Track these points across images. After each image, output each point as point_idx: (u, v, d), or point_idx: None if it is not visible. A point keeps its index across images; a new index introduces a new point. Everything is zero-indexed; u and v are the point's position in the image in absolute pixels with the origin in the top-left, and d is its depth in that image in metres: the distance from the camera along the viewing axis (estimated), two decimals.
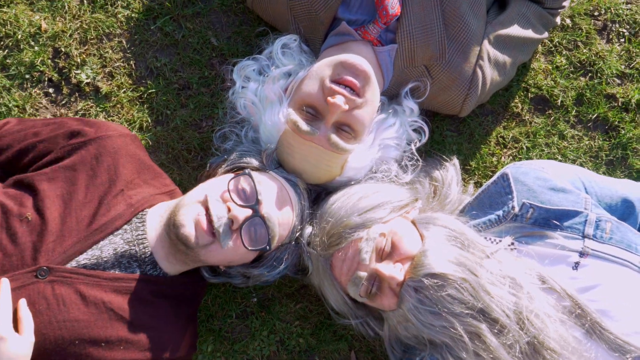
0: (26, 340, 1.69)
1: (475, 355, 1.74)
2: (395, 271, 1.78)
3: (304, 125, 1.90)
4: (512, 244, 1.92)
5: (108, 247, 1.85)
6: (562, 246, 1.86)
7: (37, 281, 1.76)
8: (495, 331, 1.72)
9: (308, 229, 1.96)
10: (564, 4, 2.33)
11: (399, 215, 1.92)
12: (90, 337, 1.77)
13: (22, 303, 1.73)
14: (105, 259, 1.83)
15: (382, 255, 1.83)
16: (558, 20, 2.39)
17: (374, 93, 1.98)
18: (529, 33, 2.28)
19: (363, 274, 1.82)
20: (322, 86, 1.93)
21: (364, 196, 1.92)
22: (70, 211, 1.84)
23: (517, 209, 1.92)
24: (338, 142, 1.91)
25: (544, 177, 1.97)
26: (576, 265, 1.85)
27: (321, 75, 1.95)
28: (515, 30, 2.24)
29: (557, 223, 1.89)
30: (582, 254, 1.85)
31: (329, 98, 1.88)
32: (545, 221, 1.90)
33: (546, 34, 2.36)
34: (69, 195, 1.85)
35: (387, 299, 1.83)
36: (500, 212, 1.95)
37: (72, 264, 1.80)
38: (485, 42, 2.19)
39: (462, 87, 2.16)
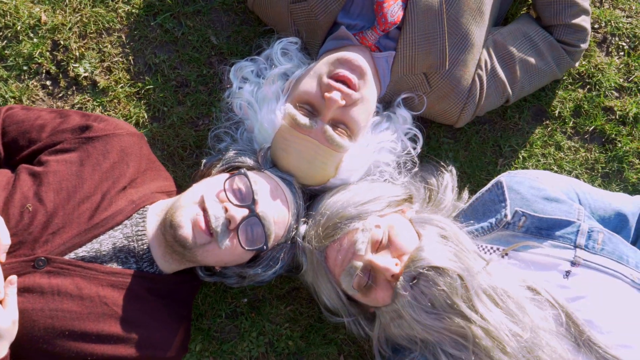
0: (8, 315, 1.66)
1: (473, 354, 1.74)
2: (390, 263, 1.79)
3: (302, 119, 1.90)
4: (504, 250, 1.91)
5: (107, 241, 1.85)
6: (554, 255, 1.86)
7: (35, 271, 1.75)
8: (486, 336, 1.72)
9: (303, 227, 1.96)
10: (582, 45, 2.28)
11: (395, 210, 1.93)
12: (80, 329, 1.76)
13: (12, 279, 1.71)
14: (103, 253, 1.83)
15: (378, 247, 1.83)
16: (576, 63, 2.34)
17: (369, 90, 1.98)
18: (534, 59, 2.24)
19: (358, 263, 1.82)
20: (320, 83, 1.93)
21: (360, 191, 1.94)
22: (72, 204, 1.83)
23: (509, 217, 1.92)
24: (333, 136, 1.90)
25: (538, 186, 1.97)
26: (567, 274, 1.85)
27: (319, 72, 1.96)
28: (516, 49, 2.22)
29: (549, 232, 1.89)
30: (573, 263, 1.85)
31: (326, 93, 1.89)
32: (537, 230, 1.90)
33: (556, 71, 2.29)
34: (73, 188, 1.85)
35: (381, 292, 1.83)
36: (492, 220, 1.95)
37: (71, 255, 1.80)
38: (484, 51, 2.20)
39: (460, 96, 2.16)
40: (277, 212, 1.88)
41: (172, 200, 1.94)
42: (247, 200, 1.83)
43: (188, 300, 2.03)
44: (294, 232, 1.96)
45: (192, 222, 1.78)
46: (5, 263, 1.74)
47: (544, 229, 1.91)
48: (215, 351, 2.20)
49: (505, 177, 2.02)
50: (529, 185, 1.97)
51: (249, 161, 1.97)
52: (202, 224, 1.77)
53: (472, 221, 2.02)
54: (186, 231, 1.77)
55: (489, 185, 2.05)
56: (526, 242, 1.89)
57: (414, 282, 1.77)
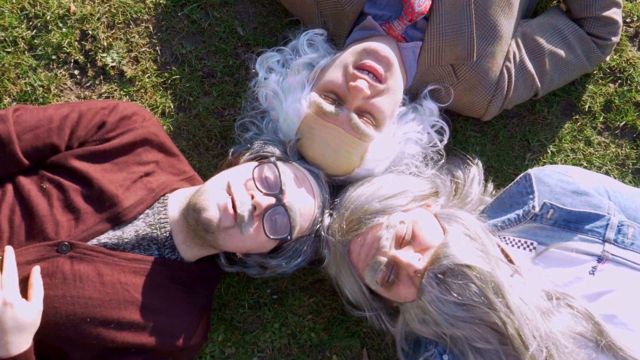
0: (34, 307, 1.69)
1: (500, 344, 1.71)
2: (413, 259, 1.76)
3: (327, 107, 1.89)
4: (532, 243, 1.88)
5: (130, 229, 1.86)
6: (581, 249, 1.83)
7: (58, 255, 1.77)
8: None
9: (327, 220, 1.94)
10: (613, 38, 2.25)
11: (420, 205, 1.91)
12: (102, 316, 1.77)
13: (35, 270, 1.74)
14: (126, 240, 1.84)
15: (402, 243, 1.81)
16: (607, 57, 2.31)
17: (396, 81, 1.96)
18: (563, 52, 2.21)
19: (383, 258, 1.79)
20: (345, 72, 1.92)
21: (385, 185, 1.91)
22: (94, 192, 1.84)
23: (537, 209, 1.89)
24: (359, 124, 1.89)
25: (567, 180, 1.94)
26: (593, 270, 1.81)
27: (344, 62, 1.94)
28: (545, 41, 2.19)
29: (578, 225, 1.86)
30: (600, 258, 1.82)
31: (351, 82, 1.87)
32: (565, 223, 1.87)
33: (587, 65, 2.27)
34: (94, 177, 1.86)
35: (404, 288, 1.81)
36: (520, 212, 1.92)
37: (93, 242, 1.81)
38: (513, 43, 2.17)
39: (488, 88, 2.14)
40: (304, 203, 1.87)
41: (196, 187, 1.94)
42: (275, 189, 1.82)
43: (209, 289, 2.03)
44: (318, 225, 1.94)
45: (218, 205, 1.77)
46: (30, 246, 1.76)
47: (573, 222, 1.87)
48: (237, 341, 2.19)
49: (534, 170, 1.99)
50: (558, 179, 1.94)
51: (277, 151, 1.96)
52: (231, 209, 1.77)
53: (499, 213, 1.99)
54: (211, 213, 1.76)
55: (517, 178, 2.02)
56: (557, 244, 1.86)
57: (441, 278, 1.74)
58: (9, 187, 1.85)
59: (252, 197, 1.78)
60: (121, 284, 1.80)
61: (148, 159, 1.97)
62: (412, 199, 1.89)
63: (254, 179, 1.81)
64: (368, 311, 1.98)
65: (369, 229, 1.84)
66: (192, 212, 1.79)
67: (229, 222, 1.78)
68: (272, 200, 1.80)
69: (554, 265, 1.85)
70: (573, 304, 1.75)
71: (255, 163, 1.89)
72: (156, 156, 2.00)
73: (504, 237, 1.94)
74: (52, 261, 1.76)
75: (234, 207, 1.77)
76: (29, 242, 1.77)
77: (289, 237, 1.84)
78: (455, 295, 1.71)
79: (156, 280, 1.85)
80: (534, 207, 1.90)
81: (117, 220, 1.85)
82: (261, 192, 1.80)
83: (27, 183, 1.85)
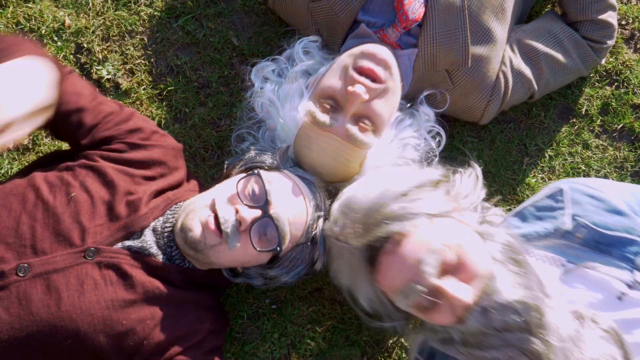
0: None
1: None
2: (462, 292, 1.59)
3: (321, 116, 1.88)
4: (560, 260, 1.81)
5: (148, 235, 1.86)
6: (610, 274, 1.75)
7: (86, 262, 1.76)
8: None
9: (328, 225, 1.89)
10: (608, 42, 2.25)
11: (446, 211, 1.72)
12: (137, 315, 1.77)
13: None
14: (148, 245, 1.84)
15: (444, 269, 1.61)
16: (602, 60, 2.31)
17: (395, 82, 1.96)
18: (559, 56, 2.21)
19: (422, 288, 1.60)
20: (344, 76, 1.91)
21: (389, 180, 1.75)
22: (118, 198, 1.85)
23: (569, 226, 1.81)
24: (356, 134, 1.87)
25: (600, 196, 1.84)
26: (622, 296, 1.73)
27: (342, 64, 1.94)
28: (541, 46, 2.19)
29: (608, 248, 1.77)
30: (630, 286, 1.74)
31: (349, 87, 1.86)
32: (596, 244, 1.78)
33: (582, 68, 2.26)
34: (119, 183, 1.86)
35: (442, 316, 1.65)
36: (550, 226, 1.83)
37: (118, 245, 1.82)
38: (508, 48, 2.17)
39: (484, 92, 2.13)
40: (293, 212, 1.82)
41: (189, 201, 1.93)
42: (260, 201, 1.79)
43: (221, 290, 2.08)
44: (314, 232, 1.90)
45: (202, 223, 1.77)
46: (57, 254, 1.76)
47: (604, 244, 1.78)
48: (237, 352, 2.18)
49: (567, 184, 1.89)
50: (590, 194, 1.85)
51: (268, 160, 1.94)
52: (212, 225, 1.76)
53: (524, 225, 1.90)
54: (196, 233, 1.77)
55: (548, 191, 1.92)
56: (590, 264, 1.77)
57: (488, 311, 1.59)
58: (30, 194, 1.84)
59: (237, 212, 1.77)
60: (149, 283, 1.81)
61: (176, 177, 1.98)
62: (435, 201, 1.71)
63: (237, 192, 1.80)
64: (387, 321, 1.83)
65: (403, 242, 1.64)
66: (180, 233, 1.80)
67: (214, 240, 1.77)
68: (258, 212, 1.77)
69: (582, 286, 1.77)
70: (604, 327, 1.66)
71: (241, 176, 1.87)
72: (178, 181, 2.01)
73: (531, 252, 1.83)
74: (80, 268, 1.75)
75: (218, 223, 1.76)
76: (53, 249, 1.77)
77: (278, 248, 1.81)
78: (497, 327, 1.58)
79: (175, 281, 1.86)
80: (565, 224, 1.82)
81: (136, 226, 1.85)
82: (246, 205, 1.78)
83: (50, 188, 1.84)
